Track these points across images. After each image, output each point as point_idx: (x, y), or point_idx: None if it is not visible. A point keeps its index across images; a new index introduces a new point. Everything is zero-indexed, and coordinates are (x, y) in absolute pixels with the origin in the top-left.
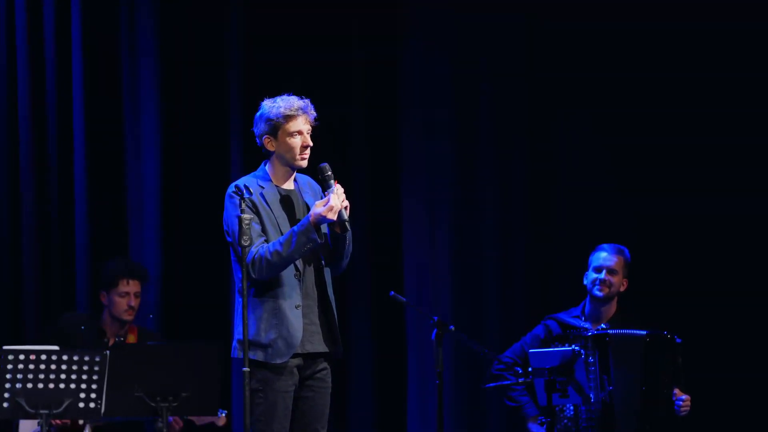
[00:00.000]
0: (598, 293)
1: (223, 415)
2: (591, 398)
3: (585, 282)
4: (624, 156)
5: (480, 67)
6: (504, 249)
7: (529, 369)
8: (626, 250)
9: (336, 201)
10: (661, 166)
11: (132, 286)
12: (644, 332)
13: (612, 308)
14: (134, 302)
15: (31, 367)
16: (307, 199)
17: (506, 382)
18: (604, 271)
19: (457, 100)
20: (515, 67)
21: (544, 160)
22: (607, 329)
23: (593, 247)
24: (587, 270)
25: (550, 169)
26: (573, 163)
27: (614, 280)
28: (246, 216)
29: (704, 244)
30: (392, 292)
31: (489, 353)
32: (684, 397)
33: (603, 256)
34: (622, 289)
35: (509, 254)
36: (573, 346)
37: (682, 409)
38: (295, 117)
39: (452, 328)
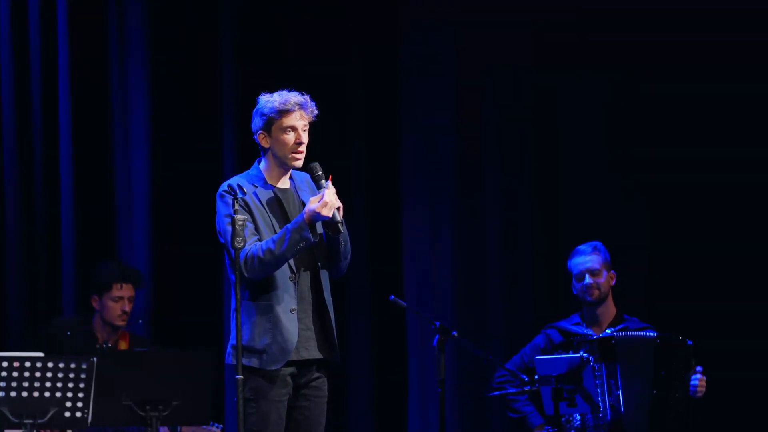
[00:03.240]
0: (590, 299)
1: (218, 430)
2: (600, 407)
3: (575, 292)
4: (633, 156)
5: (484, 67)
6: (509, 251)
7: (535, 377)
8: (600, 245)
9: (330, 197)
10: (672, 166)
11: (126, 291)
12: (654, 334)
13: (610, 309)
14: (128, 307)
15: (15, 374)
16: (304, 197)
17: (509, 391)
18: (586, 276)
19: (460, 101)
20: (520, 69)
21: (550, 163)
22: (612, 333)
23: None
24: (572, 280)
25: (556, 171)
26: (580, 167)
27: (600, 280)
28: (239, 216)
29: (713, 245)
30: (392, 296)
31: (493, 360)
32: (699, 376)
33: (580, 261)
34: (612, 283)
35: (514, 256)
36: (580, 353)
37: (699, 389)
38: (290, 112)
39: (455, 333)
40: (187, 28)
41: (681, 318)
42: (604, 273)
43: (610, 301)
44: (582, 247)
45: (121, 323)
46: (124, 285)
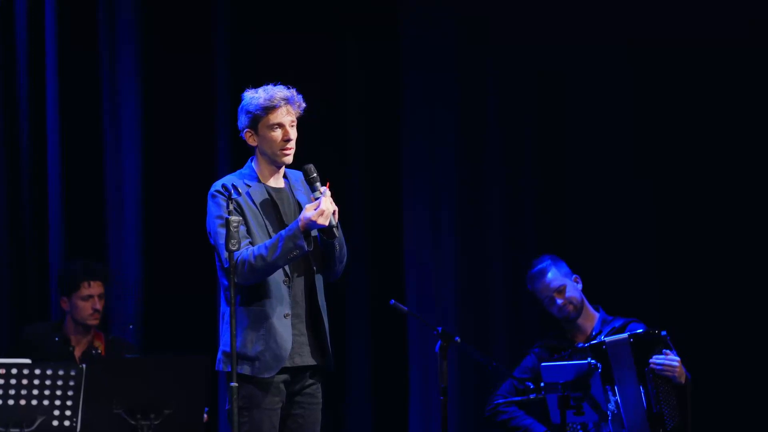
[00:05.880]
0: (570, 316)
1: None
2: (608, 416)
3: (550, 311)
4: (642, 158)
5: (486, 63)
6: (513, 254)
7: (541, 384)
8: (551, 259)
9: (328, 205)
10: (681, 163)
11: (95, 288)
12: (626, 334)
13: (591, 316)
14: (99, 305)
15: (1, 381)
16: (299, 197)
17: (505, 416)
18: (555, 298)
19: (462, 96)
20: (523, 64)
21: (554, 159)
22: (604, 338)
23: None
24: (541, 304)
25: (561, 169)
26: (585, 169)
27: (569, 294)
28: (234, 218)
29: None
30: (393, 301)
31: (497, 366)
32: (662, 357)
33: (542, 286)
34: (580, 287)
35: (518, 260)
36: (589, 359)
37: (665, 368)
38: (275, 109)
39: (458, 339)
40: (181, 22)
41: (691, 315)
42: (569, 284)
43: (587, 309)
44: (536, 270)
45: (93, 322)
46: (92, 282)
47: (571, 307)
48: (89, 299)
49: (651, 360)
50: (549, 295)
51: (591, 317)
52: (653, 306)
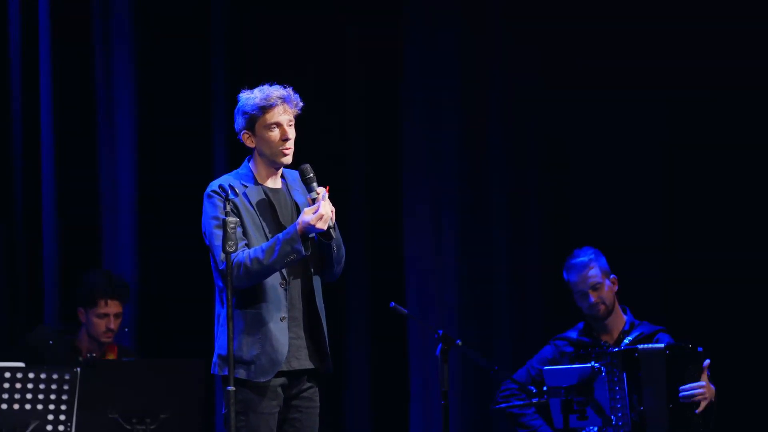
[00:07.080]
0: (599, 315)
1: None
2: (612, 420)
3: (578, 304)
4: (647, 158)
5: (489, 60)
6: (515, 255)
7: (544, 388)
8: (595, 253)
9: (326, 208)
10: (684, 161)
11: (112, 307)
12: (662, 345)
13: (619, 317)
14: (113, 324)
15: None
16: (297, 197)
17: (515, 410)
18: (590, 295)
19: (464, 95)
20: (525, 61)
21: (558, 159)
22: (634, 344)
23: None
24: (572, 293)
25: (564, 168)
26: (589, 163)
27: (603, 294)
28: (231, 219)
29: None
30: (393, 304)
31: (499, 370)
32: (692, 386)
33: (579, 280)
34: (615, 289)
35: (521, 261)
36: (593, 363)
37: (697, 397)
38: (272, 108)
39: (459, 342)
40: (176, 20)
41: (695, 321)
42: (606, 283)
43: (617, 310)
44: (577, 261)
45: (106, 340)
46: (110, 301)
47: (602, 308)
48: (105, 317)
49: (681, 392)
50: (584, 290)
51: (619, 318)
52: (656, 306)
